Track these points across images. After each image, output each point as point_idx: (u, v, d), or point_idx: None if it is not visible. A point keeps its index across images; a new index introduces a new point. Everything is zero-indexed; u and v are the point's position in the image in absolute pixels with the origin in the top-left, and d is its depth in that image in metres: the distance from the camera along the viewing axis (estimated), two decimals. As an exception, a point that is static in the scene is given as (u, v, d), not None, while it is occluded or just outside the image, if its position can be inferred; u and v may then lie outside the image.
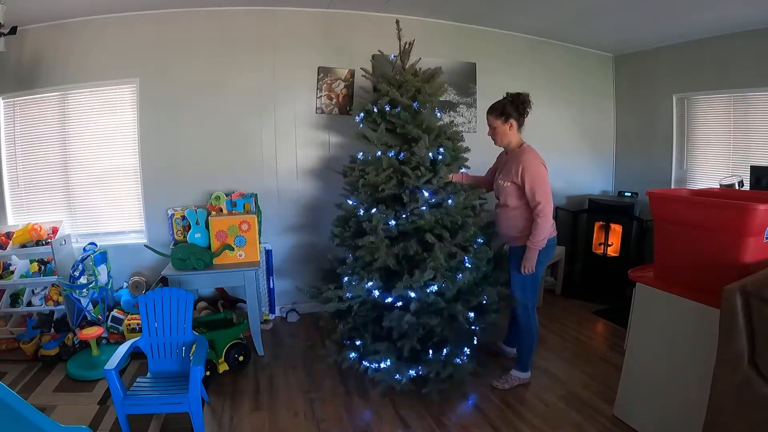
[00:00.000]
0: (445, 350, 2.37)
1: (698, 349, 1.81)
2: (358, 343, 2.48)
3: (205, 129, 3.42)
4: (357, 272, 2.47)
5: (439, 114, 2.72)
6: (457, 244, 2.42)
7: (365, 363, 2.41)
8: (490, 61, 4.01)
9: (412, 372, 2.35)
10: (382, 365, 2.36)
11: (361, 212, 2.57)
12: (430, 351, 2.38)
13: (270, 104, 3.52)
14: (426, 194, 2.42)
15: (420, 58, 2.78)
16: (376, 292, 2.43)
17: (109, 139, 3.38)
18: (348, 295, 2.46)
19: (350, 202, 2.69)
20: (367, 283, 2.42)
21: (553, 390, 2.56)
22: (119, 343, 2.74)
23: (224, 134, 3.46)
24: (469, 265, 2.43)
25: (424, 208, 2.42)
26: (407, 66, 2.70)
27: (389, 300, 2.41)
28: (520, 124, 2.43)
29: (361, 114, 2.69)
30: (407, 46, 2.71)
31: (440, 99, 2.74)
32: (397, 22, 2.70)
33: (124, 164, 3.42)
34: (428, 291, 2.34)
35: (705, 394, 1.62)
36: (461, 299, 2.44)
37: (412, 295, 2.33)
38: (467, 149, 2.68)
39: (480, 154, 2.79)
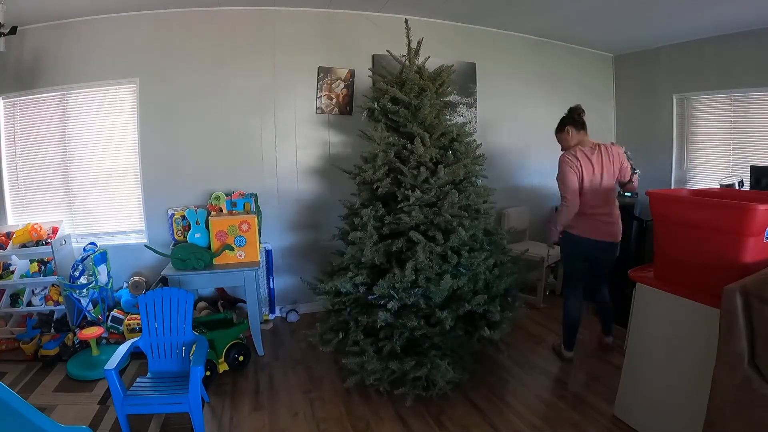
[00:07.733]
0: (426, 356, 2.30)
1: (698, 349, 1.81)
2: (341, 335, 2.48)
3: (205, 129, 3.42)
4: (350, 268, 2.47)
5: (449, 114, 2.71)
6: (452, 248, 2.37)
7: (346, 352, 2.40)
8: (490, 61, 4.01)
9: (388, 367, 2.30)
10: (357, 357, 2.33)
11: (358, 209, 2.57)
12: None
13: (270, 104, 3.52)
14: (418, 193, 2.37)
15: (429, 57, 2.75)
16: (361, 289, 2.42)
17: (109, 139, 3.38)
18: (342, 289, 2.45)
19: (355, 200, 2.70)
20: (354, 279, 2.41)
21: (553, 390, 2.56)
22: (119, 343, 2.74)
23: (224, 134, 3.46)
24: (464, 270, 2.39)
25: (413, 206, 2.37)
26: (416, 65, 2.67)
27: (373, 297, 2.39)
28: (576, 130, 2.77)
29: (365, 112, 2.69)
30: (417, 46, 2.68)
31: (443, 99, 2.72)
32: (406, 21, 2.68)
33: (124, 164, 3.42)
34: (411, 292, 2.30)
35: (705, 394, 1.62)
36: (451, 306, 2.36)
37: (394, 294, 2.31)
38: (479, 146, 2.68)
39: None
